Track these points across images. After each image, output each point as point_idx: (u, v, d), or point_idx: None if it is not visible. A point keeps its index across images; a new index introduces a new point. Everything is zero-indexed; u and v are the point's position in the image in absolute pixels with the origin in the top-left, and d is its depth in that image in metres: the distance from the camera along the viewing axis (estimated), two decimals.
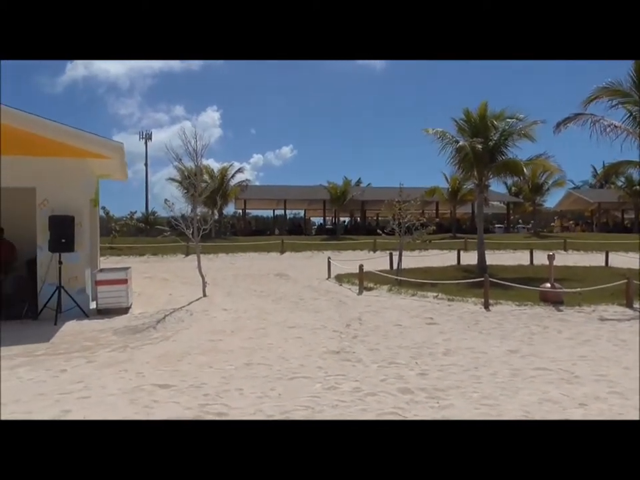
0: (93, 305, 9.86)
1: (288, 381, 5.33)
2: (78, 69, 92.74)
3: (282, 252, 26.21)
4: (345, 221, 48.65)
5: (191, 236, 12.01)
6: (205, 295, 11.54)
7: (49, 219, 9.10)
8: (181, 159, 12.39)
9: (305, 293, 12.10)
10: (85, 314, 9.27)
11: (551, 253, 10.96)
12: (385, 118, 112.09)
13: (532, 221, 43.12)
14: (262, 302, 10.91)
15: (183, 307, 10.21)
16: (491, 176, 16.82)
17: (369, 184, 42.94)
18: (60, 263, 9.10)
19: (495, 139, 16.33)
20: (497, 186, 28.29)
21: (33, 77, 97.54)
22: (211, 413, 4.41)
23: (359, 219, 48.68)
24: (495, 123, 16.38)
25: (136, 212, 39.96)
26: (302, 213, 53.54)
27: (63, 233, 9.04)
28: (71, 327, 8.45)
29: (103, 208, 30.89)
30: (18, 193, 9.80)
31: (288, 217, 50.92)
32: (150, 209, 45.60)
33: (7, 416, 4.35)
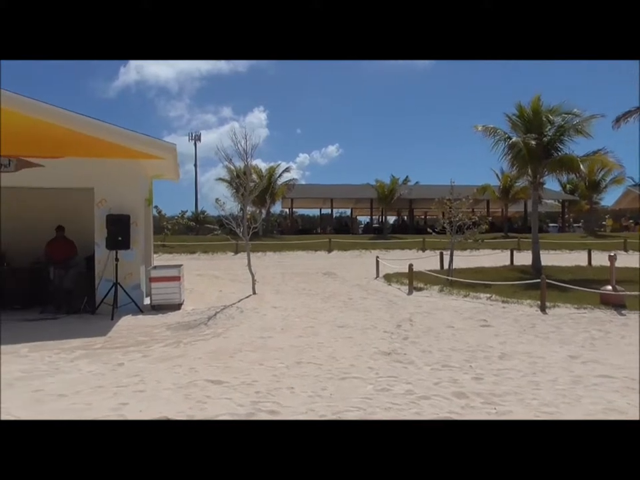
0: (147, 301, 10.14)
1: (339, 381, 5.26)
2: (130, 73, 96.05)
3: (329, 251, 26.21)
4: (392, 220, 48.16)
5: (241, 234, 12.16)
6: (254, 293, 11.65)
7: (106, 218, 9.42)
8: (231, 159, 12.58)
9: (353, 292, 12.01)
10: (140, 309, 9.54)
11: (612, 254, 10.40)
12: (433, 115, 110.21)
13: (582, 220, 41.22)
14: (311, 300, 10.90)
15: (233, 304, 10.34)
16: (546, 173, 16.19)
17: (416, 182, 42.17)
18: (116, 260, 9.41)
19: (550, 134, 15.69)
20: (551, 183, 27.22)
21: (88, 82, 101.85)
22: (263, 410, 4.40)
23: (406, 217, 48.06)
24: (550, 117, 15.74)
25: (187, 211, 41.06)
26: (348, 211, 53.37)
27: (119, 231, 9.34)
28: (126, 322, 8.71)
29: (156, 207, 31.86)
30: (78, 193, 10.21)
31: (334, 216, 50.89)
32: (199, 208, 46.69)
33: (67, 408, 4.50)
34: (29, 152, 9.49)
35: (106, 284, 9.48)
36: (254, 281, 11.96)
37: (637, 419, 4.17)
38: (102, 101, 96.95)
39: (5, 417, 4.05)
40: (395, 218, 50.19)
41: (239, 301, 10.66)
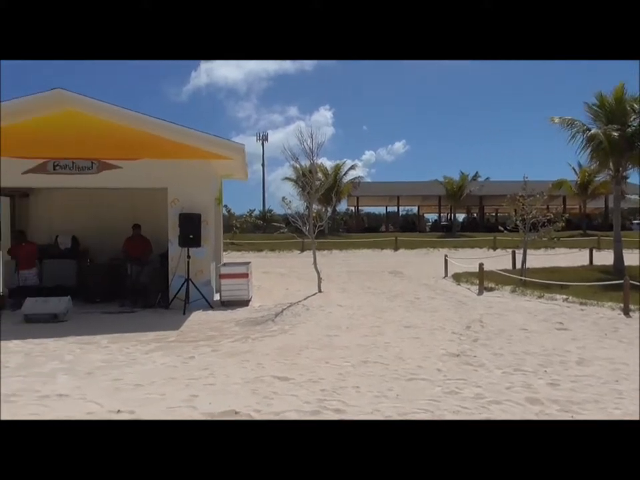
0: (217, 297, 10.48)
1: (406, 381, 5.18)
2: (201, 77, 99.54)
3: (395, 249, 25.92)
4: (461, 218, 46.90)
5: (306, 232, 12.27)
6: (320, 291, 11.73)
7: (178, 217, 9.83)
8: (297, 158, 12.72)
9: (420, 292, 11.81)
10: (210, 305, 9.88)
11: None
12: (504, 109, 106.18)
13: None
14: (377, 299, 10.82)
15: (300, 301, 10.46)
16: (629, 166, 15.10)
17: (487, 178, 40.85)
18: (188, 257, 9.80)
19: (635, 124, 14.63)
20: (635, 177, 25.41)
21: (163, 86, 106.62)
22: (328, 408, 4.41)
23: (476, 215, 46.64)
24: (635, 106, 14.66)
25: (254, 210, 42.05)
26: (415, 209, 52.57)
27: (191, 229, 9.71)
28: (197, 317, 9.04)
29: (225, 206, 32.83)
30: (153, 192, 10.72)
31: (401, 214, 50.28)
32: (267, 207, 47.65)
33: (143, 397, 4.73)
34: (109, 155, 10.08)
35: (179, 280, 9.90)
36: (319, 279, 12.04)
37: (637, 419, 4.05)
38: (175, 104, 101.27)
39: (4, 417, 4.09)
40: (464, 215, 48.84)
41: (304, 299, 10.77)
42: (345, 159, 42.74)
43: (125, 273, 10.59)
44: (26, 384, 5.19)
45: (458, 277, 13.81)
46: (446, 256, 15.82)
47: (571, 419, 4.16)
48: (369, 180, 47.70)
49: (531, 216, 13.19)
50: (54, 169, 9.99)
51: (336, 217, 42.38)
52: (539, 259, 18.27)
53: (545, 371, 5.57)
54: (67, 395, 4.81)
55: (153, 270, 10.65)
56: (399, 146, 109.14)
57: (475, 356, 6.18)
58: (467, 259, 16.95)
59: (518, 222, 13.50)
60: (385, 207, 50.75)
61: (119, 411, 4.34)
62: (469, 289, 12.06)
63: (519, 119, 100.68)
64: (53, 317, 8.57)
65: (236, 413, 4.29)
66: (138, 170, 10.13)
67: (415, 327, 7.97)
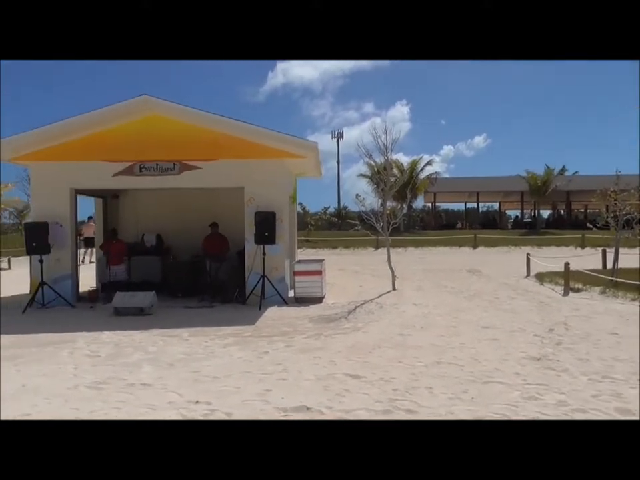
0: (291, 294, 10.68)
1: (482, 384, 5.02)
2: (278, 77, 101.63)
3: (474, 247, 25.10)
4: (546, 214, 44.52)
5: (380, 230, 12.20)
6: (394, 289, 11.62)
7: (254, 215, 10.13)
8: (371, 155, 12.67)
9: (500, 291, 11.36)
10: (285, 301, 10.10)
11: None
12: (593, 97, 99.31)
13: None
14: (453, 298, 10.56)
15: (373, 299, 10.42)
16: None
17: (575, 172, 38.37)
18: (263, 254, 10.07)
19: None
20: None
21: (240, 87, 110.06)
22: (400, 408, 4.37)
23: (562, 211, 44.09)
24: None
25: (329, 207, 42.38)
26: (496, 205, 50.55)
27: (266, 227, 9.98)
28: (272, 313, 9.27)
29: (300, 204, 33.34)
30: (231, 192, 11.11)
31: (480, 210, 48.60)
32: (341, 204, 47.80)
33: (219, 389, 4.93)
34: (189, 156, 10.57)
35: (254, 277, 10.20)
36: (394, 277, 11.92)
37: (637, 419, 3.97)
38: (252, 104, 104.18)
39: (4, 417, 4.12)
40: (549, 212, 46.30)
41: (378, 297, 10.71)
42: (421, 155, 41.77)
43: (205, 270, 11.08)
44: (115, 372, 5.58)
45: (541, 277, 13.13)
46: (528, 254, 15.09)
47: (571, 419, 4.04)
48: (446, 175, 46.48)
49: (624, 212, 12.26)
50: (140, 171, 10.63)
51: (412, 214, 41.70)
52: (633, 258, 16.95)
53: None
54: (150, 385, 5.12)
55: (231, 267, 11.06)
56: (479, 140, 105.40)
57: (558, 360, 5.86)
58: (551, 257, 16.06)
59: (609, 219, 12.60)
60: (463, 204, 49.27)
61: (197, 401, 4.55)
62: (553, 289, 11.44)
63: (610, 107, 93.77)
64: (140, 310, 9.13)
65: (307, 409, 4.36)
66: (216, 170, 10.55)
67: (493, 327, 7.69)
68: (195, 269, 11.38)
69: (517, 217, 45.65)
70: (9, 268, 23.60)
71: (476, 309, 9.27)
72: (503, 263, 18.16)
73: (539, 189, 34.98)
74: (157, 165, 10.62)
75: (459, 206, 53.92)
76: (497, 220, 44.05)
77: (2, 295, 12.72)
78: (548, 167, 35.95)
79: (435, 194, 40.87)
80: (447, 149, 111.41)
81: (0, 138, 10.39)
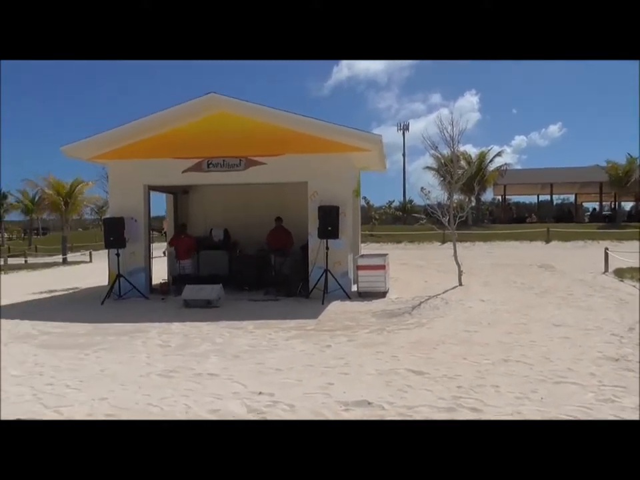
0: (354, 288, 10.67)
1: (553, 384, 4.79)
2: (343, 71, 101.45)
3: (547, 241, 24.01)
4: (628, 206, 41.73)
5: (446, 223, 11.94)
6: (460, 284, 11.34)
7: (318, 209, 10.19)
8: (437, 147, 12.40)
9: (575, 288, 10.79)
10: (347, 296, 10.11)
11: None
12: None
13: None
14: (523, 295, 10.14)
15: (438, 294, 10.22)
16: None
17: None
18: (327, 248, 10.12)
19: None
20: None
21: (305, 83, 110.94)
22: (464, 406, 4.25)
23: None
24: None
25: (394, 201, 41.95)
26: (572, 197, 47.96)
27: (329, 221, 10.01)
28: (335, 307, 9.31)
29: (364, 198, 33.22)
30: (295, 186, 11.24)
31: (554, 203, 46.29)
32: (407, 198, 47.15)
33: (282, 381, 5.02)
34: (255, 152, 10.80)
35: (318, 271, 10.28)
36: (460, 272, 11.63)
37: (637, 418, 3.89)
38: (317, 99, 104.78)
39: (5, 417, 4.11)
40: (631, 204, 43.35)
41: (444, 292, 10.49)
42: (491, 146, 40.37)
43: (269, 264, 11.30)
44: (184, 362, 5.82)
45: (621, 273, 12.33)
46: (606, 249, 14.22)
47: (570, 419, 3.92)
48: (518, 167, 44.75)
49: None
50: (208, 167, 10.99)
51: (480, 207, 40.47)
52: None
53: None
54: (216, 375, 5.30)
55: (295, 261, 11.21)
56: (554, 129, 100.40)
57: (638, 362, 5.49)
58: (633, 252, 15.06)
59: None
60: (536, 196, 47.15)
61: (260, 392, 4.66)
62: (634, 286, 10.71)
63: None
64: (207, 302, 9.46)
65: (369, 403, 4.35)
66: (281, 165, 10.71)
67: (567, 325, 7.31)
68: (260, 262, 11.63)
69: (594, 209, 43.14)
70: (90, 261, 25.25)
71: (548, 306, 8.86)
72: (579, 258, 17.25)
73: (619, 179, 32.88)
74: (224, 160, 10.93)
75: (531, 199, 51.68)
76: (573, 213, 41.79)
77: (84, 286, 13.63)
78: (630, 156, 33.69)
79: (504, 186, 39.38)
80: (519, 139, 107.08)
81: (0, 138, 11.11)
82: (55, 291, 12.92)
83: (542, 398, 4.41)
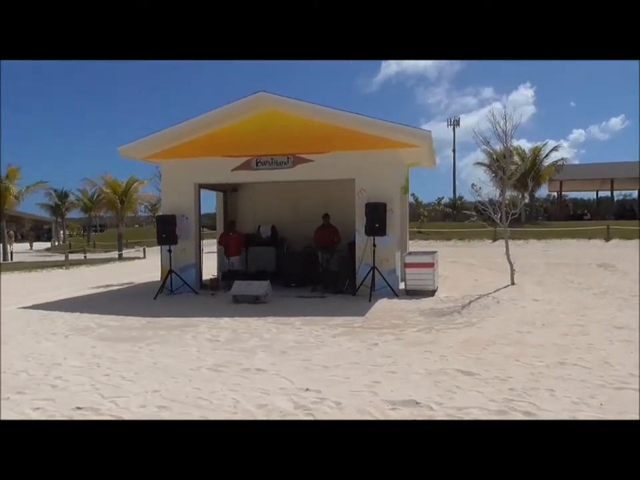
0: (401, 286, 10.56)
1: (614, 390, 4.56)
2: (391, 67, 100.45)
3: (607, 239, 22.92)
4: None
5: (498, 221, 11.61)
6: (513, 283, 11.01)
7: (365, 206, 10.12)
8: (489, 142, 12.07)
9: (638, 289, 10.25)
10: (395, 293, 10.01)
11: None
12: None
13: None
14: (580, 295, 9.73)
15: (489, 293, 9.96)
16: None
17: None
18: (374, 245, 10.05)
19: None
20: None
21: (353, 80, 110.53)
22: (517, 409, 4.11)
23: None
24: None
25: (443, 197, 41.27)
26: (635, 193, 45.58)
27: (376, 218, 9.93)
28: (382, 305, 9.24)
29: (412, 194, 32.89)
30: (343, 183, 11.23)
31: (615, 199, 44.15)
32: (457, 195, 46.21)
33: (329, 378, 5.02)
34: (303, 149, 10.85)
35: (365, 268, 10.22)
36: (512, 271, 11.28)
37: (637, 418, 3.87)
38: (365, 95, 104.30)
39: (5, 417, 4.15)
40: None
41: (495, 291, 10.20)
42: (546, 140, 39.00)
43: (316, 260, 11.34)
44: (233, 357, 5.92)
45: None
46: None
47: (570, 419, 3.92)
48: (576, 162, 42.94)
49: None
50: (256, 165, 11.14)
51: (534, 204, 39.16)
52: None
53: None
54: (264, 370, 5.36)
55: (342, 258, 11.19)
56: (615, 122, 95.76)
57: None
58: None
59: None
60: (595, 192, 45.13)
61: (307, 389, 4.68)
62: None
63: None
64: (255, 298, 9.60)
65: (417, 403, 4.28)
66: (328, 162, 10.71)
67: (629, 328, 6.94)
68: (307, 259, 11.69)
69: None
70: (144, 257, 26.17)
71: (608, 308, 8.46)
72: None
73: None
74: (272, 159, 11.04)
75: (590, 195, 49.50)
76: (636, 210, 39.71)
77: (138, 281, 14.14)
78: None
79: (560, 182, 37.89)
80: (577, 133, 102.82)
81: (0, 139, 11.55)
82: (112, 285, 13.48)
83: (601, 404, 4.21)
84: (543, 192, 44.74)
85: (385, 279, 10.05)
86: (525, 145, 36.43)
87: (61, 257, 24.40)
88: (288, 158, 10.96)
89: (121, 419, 4.12)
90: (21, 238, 47.79)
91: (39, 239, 52.50)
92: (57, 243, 45.65)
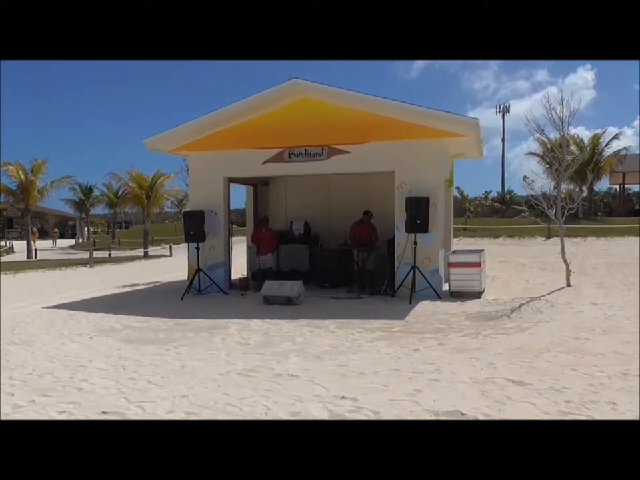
0: (445, 287, 10.45)
1: None
2: None
3: None
4: None
5: (553, 217, 11.36)
6: (568, 285, 10.77)
7: (405, 201, 10.04)
8: (543, 130, 11.80)
9: None
10: (438, 295, 9.92)
11: None
12: None
13: None
14: None
15: (542, 296, 9.78)
16: None
17: None
18: (415, 243, 9.97)
19: None
20: None
21: (391, 64, 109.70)
22: None
23: None
24: None
25: (491, 191, 40.57)
26: None
27: (418, 213, 9.85)
28: (424, 307, 9.17)
29: (457, 188, 32.40)
30: (381, 177, 11.18)
31: None
32: (506, 188, 45.36)
33: (366, 386, 5.02)
34: (338, 140, 10.84)
35: (404, 267, 10.16)
36: (568, 271, 11.02)
37: (637, 418, 4.01)
38: (405, 81, 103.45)
39: (4, 417, 4.29)
40: None
41: (548, 293, 10.01)
42: (607, 127, 38.00)
43: (352, 259, 11.33)
44: (264, 361, 5.99)
45: None
46: None
47: (570, 419, 4.07)
48: None
49: None
50: (289, 157, 11.19)
51: (594, 198, 38.06)
52: None
53: None
54: (297, 376, 5.40)
55: (380, 257, 11.15)
56: None
57: None
58: None
59: None
60: None
61: (343, 397, 4.69)
62: None
63: None
64: (287, 299, 9.67)
65: (462, 414, 4.24)
66: (365, 154, 10.67)
67: None
68: (342, 258, 11.70)
69: None
70: (170, 255, 26.71)
71: None
72: None
73: None
74: (306, 150, 11.07)
75: None
76: None
77: (165, 280, 14.46)
78: None
79: (623, 174, 36.79)
80: None
81: None
82: (137, 284, 13.81)
83: None
84: (603, 185, 43.49)
85: (426, 279, 9.96)
86: (584, 132, 35.60)
87: (85, 255, 25.18)
88: (322, 149, 10.98)
89: (125, 419, 4.24)
90: (46, 235, 49.47)
91: (62, 235, 54.29)
92: (81, 240, 47.11)
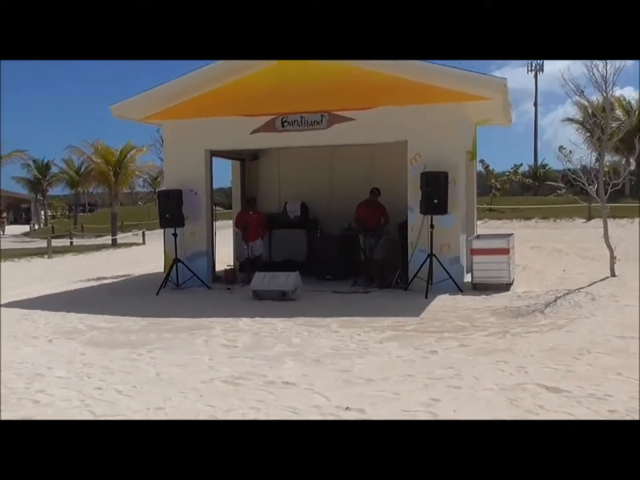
0: (467, 278, 10.49)
1: None
2: None
3: None
4: None
5: (594, 194, 11.36)
6: (613, 275, 10.84)
7: (420, 176, 10.01)
8: (582, 92, 11.75)
9: None
10: (459, 288, 9.96)
11: None
12: None
13: None
14: None
15: (582, 288, 9.84)
16: None
17: None
18: (431, 227, 9.97)
19: None
20: None
21: None
22: None
23: None
24: None
25: (521, 165, 40.51)
26: None
27: (435, 192, 9.83)
28: (442, 302, 9.22)
29: (481, 161, 32.34)
30: (390, 147, 11.13)
31: None
32: (539, 161, 45.43)
33: (374, 394, 5.05)
34: (340, 105, 10.75)
35: (419, 255, 10.18)
36: (613, 259, 11.06)
37: (637, 418, 4.27)
38: None
39: (4, 417, 4.57)
40: None
41: (589, 285, 10.08)
42: None
43: (358, 247, 11.34)
44: (254, 367, 6.02)
45: None
46: None
47: (570, 419, 4.36)
48: None
49: None
50: (282, 126, 11.13)
51: None
52: None
53: None
54: (293, 384, 5.42)
55: (390, 243, 11.15)
56: None
57: None
58: None
59: None
60: None
61: (347, 408, 4.71)
62: None
63: None
64: (281, 294, 9.70)
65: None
66: (372, 121, 10.62)
67: None
68: (346, 245, 11.70)
69: None
70: (143, 242, 26.77)
71: None
72: None
73: None
74: (302, 117, 11.00)
75: None
76: None
77: (137, 273, 14.48)
78: None
79: None
80: None
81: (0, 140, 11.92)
82: (104, 278, 13.85)
83: None
84: None
85: (445, 269, 10.00)
86: (631, 94, 35.37)
87: (43, 243, 25.18)
88: (322, 116, 10.93)
89: (119, 419, 4.46)
90: None
91: (15, 221, 54.34)
92: (37, 226, 47.16)
